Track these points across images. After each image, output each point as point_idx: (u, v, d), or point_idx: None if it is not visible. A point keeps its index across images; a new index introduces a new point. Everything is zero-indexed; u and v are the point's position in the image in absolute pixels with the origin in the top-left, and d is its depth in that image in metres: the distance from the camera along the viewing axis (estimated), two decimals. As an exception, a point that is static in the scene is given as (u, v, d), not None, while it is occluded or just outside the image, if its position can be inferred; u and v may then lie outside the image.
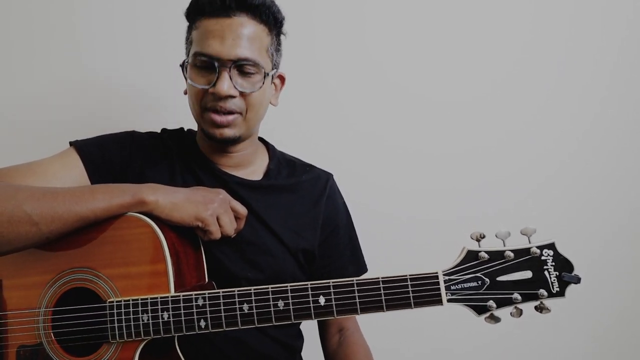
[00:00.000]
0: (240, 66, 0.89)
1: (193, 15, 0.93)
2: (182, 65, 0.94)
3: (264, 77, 0.91)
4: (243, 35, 0.88)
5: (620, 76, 1.36)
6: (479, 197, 1.34)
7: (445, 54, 1.34)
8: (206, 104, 0.89)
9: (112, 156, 0.94)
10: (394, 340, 1.30)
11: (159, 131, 1.05)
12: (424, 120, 1.34)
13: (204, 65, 0.89)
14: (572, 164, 1.35)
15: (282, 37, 0.99)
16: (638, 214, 1.36)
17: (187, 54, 0.94)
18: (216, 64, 0.87)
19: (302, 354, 1.05)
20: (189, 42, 0.95)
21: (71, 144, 0.95)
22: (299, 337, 1.05)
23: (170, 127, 1.06)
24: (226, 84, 0.87)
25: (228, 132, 0.91)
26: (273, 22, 0.94)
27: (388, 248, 1.29)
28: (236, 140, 0.93)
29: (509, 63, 1.35)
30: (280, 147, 1.10)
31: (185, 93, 0.98)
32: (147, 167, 0.95)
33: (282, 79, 1.02)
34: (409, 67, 1.34)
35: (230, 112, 0.89)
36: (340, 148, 1.32)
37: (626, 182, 1.36)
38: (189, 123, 1.03)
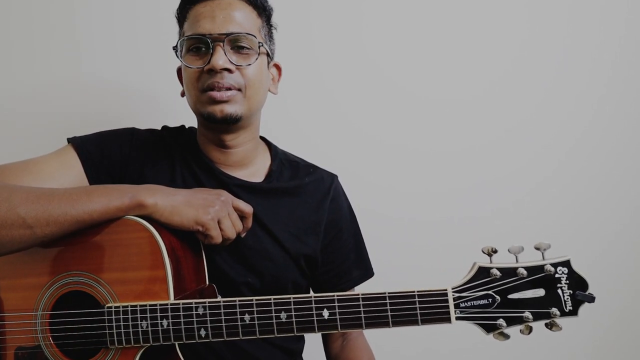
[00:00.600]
0: (234, 41, 0.87)
1: (183, 9, 0.92)
2: (175, 50, 0.92)
3: (259, 47, 0.89)
4: (233, 13, 0.88)
5: (618, 74, 1.33)
6: (480, 196, 1.32)
7: (447, 54, 1.32)
8: (203, 84, 0.87)
9: (111, 154, 0.91)
10: (395, 341, 1.30)
11: (159, 128, 1.01)
12: (425, 120, 1.32)
13: (197, 46, 0.88)
14: (572, 162, 1.34)
15: (273, 30, 0.98)
16: (638, 213, 1.34)
17: (180, 51, 0.91)
18: (209, 40, 0.86)
19: (303, 355, 1.04)
20: (181, 35, 0.92)
21: (69, 140, 0.92)
22: (300, 340, 1.03)
23: (170, 124, 1.03)
24: (221, 58, 0.85)
25: (229, 109, 0.87)
26: (262, 7, 0.93)
27: (389, 249, 1.28)
28: (237, 120, 0.89)
29: (509, 61, 1.33)
30: (282, 147, 1.07)
31: (182, 95, 0.95)
32: (146, 166, 0.93)
33: (278, 68, 1.00)
34: (410, 67, 1.32)
35: (229, 89, 0.87)
36: (340, 148, 1.30)
37: (626, 181, 1.34)
38: (189, 121, 0.99)
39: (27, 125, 1.22)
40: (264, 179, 0.98)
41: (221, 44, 0.86)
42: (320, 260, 0.98)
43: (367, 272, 1.05)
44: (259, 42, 0.89)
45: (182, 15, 0.93)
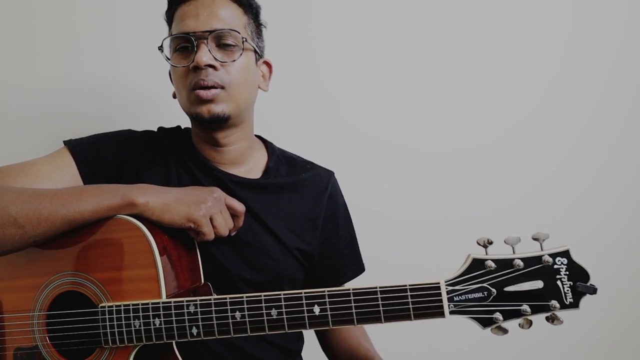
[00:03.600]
0: (218, 38, 0.88)
1: (170, 10, 0.93)
2: (160, 50, 0.93)
3: (243, 42, 0.89)
4: (217, 10, 0.88)
5: (618, 73, 1.31)
6: (479, 196, 1.30)
7: (444, 52, 1.30)
8: (190, 82, 0.87)
9: (106, 156, 0.92)
10: (392, 340, 1.27)
11: (155, 130, 1.02)
12: (424, 119, 1.31)
13: (183, 45, 0.89)
14: (571, 162, 1.31)
15: (262, 28, 0.98)
16: (638, 212, 1.31)
17: (169, 52, 0.93)
18: (193, 38, 0.86)
19: (303, 354, 1.03)
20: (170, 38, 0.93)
21: (65, 143, 0.93)
22: (299, 339, 1.02)
23: (168, 124, 1.03)
24: (205, 54, 0.85)
25: (215, 108, 0.87)
26: (247, 4, 0.93)
27: (387, 249, 1.26)
28: (226, 119, 0.89)
29: (508, 60, 1.31)
30: (279, 145, 1.06)
31: (174, 97, 0.96)
32: (142, 167, 0.93)
33: (268, 65, 1.00)
34: (409, 65, 1.30)
35: (213, 87, 0.87)
36: (339, 147, 1.29)
37: (628, 179, 1.32)
38: (186, 122, 0.99)
39: (26, 125, 1.23)
40: (261, 176, 0.98)
41: (205, 41, 0.86)
42: (317, 256, 0.98)
43: (359, 267, 1.06)
44: (243, 38, 0.89)
45: (169, 17, 0.94)
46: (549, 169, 1.31)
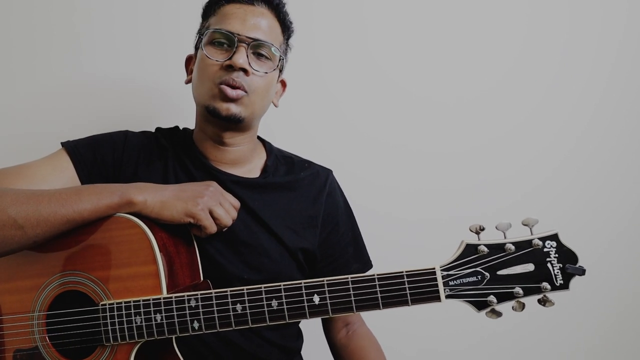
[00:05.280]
0: (257, 48, 0.91)
1: (215, 4, 0.95)
2: (199, 35, 0.96)
3: (279, 60, 0.94)
4: (263, 22, 0.93)
5: (618, 75, 1.33)
6: (479, 196, 1.31)
7: (444, 53, 1.32)
8: (219, 77, 0.89)
9: (104, 157, 0.93)
10: (394, 338, 1.28)
11: (152, 130, 1.03)
12: (424, 120, 1.32)
13: (220, 41, 0.91)
14: (572, 162, 1.33)
15: (289, 49, 1.02)
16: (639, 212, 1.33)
17: (199, 42, 0.95)
18: (235, 38, 0.89)
19: (302, 352, 1.04)
20: (205, 27, 0.95)
21: (63, 145, 0.93)
22: (298, 337, 1.03)
23: (165, 126, 1.04)
24: (242, 57, 0.89)
25: (234, 109, 0.90)
26: (287, 26, 0.98)
27: (387, 250, 1.25)
28: (239, 121, 0.91)
29: (508, 61, 1.33)
30: (279, 146, 1.08)
31: (187, 82, 0.98)
32: (140, 168, 0.94)
33: (284, 84, 1.05)
34: (409, 66, 1.32)
35: (239, 88, 0.89)
36: (339, 147, 1.30)
37: (627, 181, 1.33)
38: (185, 122, 1.00)
39: (25, 125, 1.23)
40: (260, 175, 0.99)
41: (245, 45, 0.89)
42: (319, 254, 0.99)
43: (366, 265, 1.06)
44: (280, 56, 0.94)
45: (211, 9, 0.96)
46: (550, 170, 1.32)
